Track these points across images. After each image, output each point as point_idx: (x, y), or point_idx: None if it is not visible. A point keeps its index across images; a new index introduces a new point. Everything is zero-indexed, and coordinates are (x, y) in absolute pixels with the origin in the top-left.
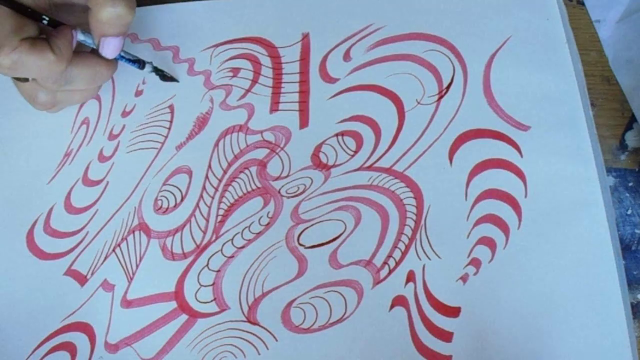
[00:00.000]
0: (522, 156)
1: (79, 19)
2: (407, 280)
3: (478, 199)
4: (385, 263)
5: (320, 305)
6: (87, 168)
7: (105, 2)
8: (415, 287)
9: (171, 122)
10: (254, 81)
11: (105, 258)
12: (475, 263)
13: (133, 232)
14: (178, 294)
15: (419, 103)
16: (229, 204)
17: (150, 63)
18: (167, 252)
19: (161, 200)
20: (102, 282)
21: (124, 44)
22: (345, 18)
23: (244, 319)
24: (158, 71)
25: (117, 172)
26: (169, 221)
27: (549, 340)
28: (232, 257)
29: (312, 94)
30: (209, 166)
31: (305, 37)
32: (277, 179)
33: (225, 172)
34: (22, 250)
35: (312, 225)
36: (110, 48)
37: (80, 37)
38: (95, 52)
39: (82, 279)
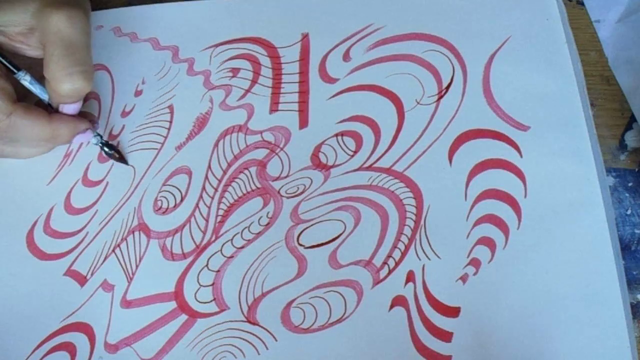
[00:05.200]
0: (521, 156)
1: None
2: (407, 281)
3: (478, 199)
4: (384, 263)
5: (319, 305)
6: (87, 169)
7: (64, 77)
8: (415, 287)
9: (171, 122)
10: (254, 81)
11: (105, 258)
12: (475, 263)
13: (133, 232)
14: (178, 294)
15: (418, 103)
16: (228, 204)
17: (100, 137)
18: (166, 253)
19: (161, 200)
20: (102, 283)
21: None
22: (345, 18)
23: (244, 319)
24: (106, 145)
25: (116, 173)
26: (169, 221)
27: (549, 340)
28: (231, 257)
29: (311, 94)
30: (209, 166)
31: (305, 37)
32: (276, 179)
33: (225, 172)
34: (22, 251)
35: (311, 225)
36: (70, 109)
37: (26, 82)
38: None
39: (82, 280)
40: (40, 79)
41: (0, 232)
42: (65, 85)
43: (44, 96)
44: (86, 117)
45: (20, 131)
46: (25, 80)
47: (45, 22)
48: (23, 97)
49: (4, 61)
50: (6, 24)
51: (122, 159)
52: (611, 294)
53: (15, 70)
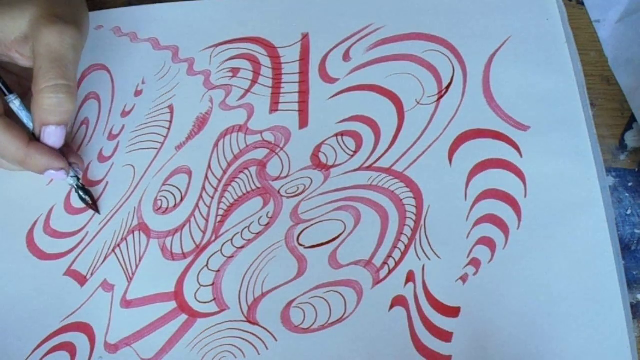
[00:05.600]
0: (521, 156)
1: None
2: (407, 281)
3: (478, 199)
4: (384, 263)
5: (319, 305)
6: (87, 169)
7: (48, 89)
8: (415, 287)
9: (171, 122)
10: (254, 81)
11: (105, 258)
12: (475, 263)
13: (133, 232)
14: (178, 294)
15: (418, 103)
16: (228, 204)
17: (77, 179)
18: (166, 252)
19: (161, 200)
20: (102, 282)
21: (65, 135)
22: (345, 18)
23: (244, 319)
24: (82, 190)
25: (116, 173)
26: (169, 221)
27: (549, 340)
28: (231, 257)
29: (311, 94)
30: (209, 166)
31: (305, 37)
32: (276, 179)
33: (224, 172)
34: (22, 251)
35: (311, 225)
36: (51, 137)
37: (14, 106)
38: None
39: (81, 279)
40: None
41: (0, 232)
42: (48, 98)
43: (30, 124)
44: (74, 159)
45: None
46: (14, 104)
47: (38, 33)
48: (12, 118)
49: None
50: (3, 30)
51: (94, 206)
52: (611, 294)
53: (6, 92)
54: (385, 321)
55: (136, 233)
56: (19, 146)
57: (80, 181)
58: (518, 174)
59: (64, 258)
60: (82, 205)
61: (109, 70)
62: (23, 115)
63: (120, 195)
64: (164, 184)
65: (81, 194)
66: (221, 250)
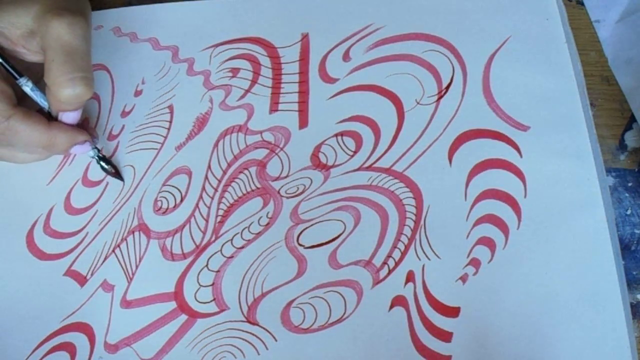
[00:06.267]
0: (521, 156)
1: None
2: (407, 281)
3: (477, 199)
4: (384, 263)
5: (319, 305)
6: (87, 169)
7: (65, 83)
8: (415, 287)
9: (170, 122)
10: (254, 81)
11: (105, 258)
12: (475, 263)
13: (133, 232)
14: (178, 294)
15: (418, 103)
16: (228, 205)
17: (97, 150)
18: (166, 253)
19: (161, 200)
20: (102, 283)
21: (81, 112)
22: (345, 18)
23: (244, 319)
24: (103, 160)
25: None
26: (169, 222)
27: (549, 340)
28: (231, 257)
29: (311, 94)
30: (209, 166)
31: (305, 38)
32: (276, 179)
33: (224, 172)
34: (22, 251)
35: (311, 225)
36: (69, 118)
37: (27, 89)
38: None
39: (81, 280)
40: (38, 84)
41: (0, 232)
42: (66, 91)
43: (44, 104)
44: (90, 131)
45: (18, 135)
46: (27, 86)
47: (46, 27)
48: (23, 103)
49: (6, 65)
50: (7, 26)
51: (117, 175)
52: (611, 294)
53: (17, 76)
54: (385, 321)
55: (136, 233)
56: (41, 131)
57: (101, 152)
58: (518, 174)
59: (63, 258)
60: (81, 205)
61: (109, 70)
62: (38, 96)
63: (120, 195)
64: (164, 185)
65: (103, 164)
66: (221, 250)
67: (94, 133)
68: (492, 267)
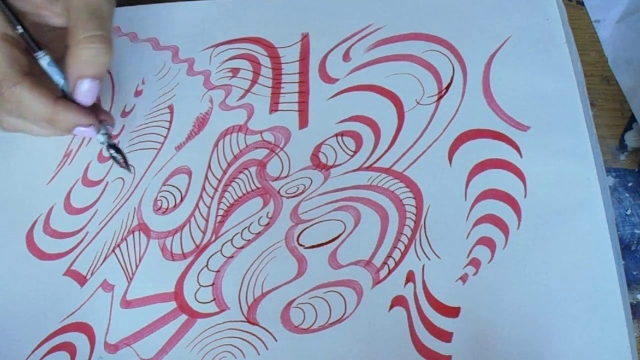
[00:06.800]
0: (521, 156)
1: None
2: (407, 281)
3: (477, 199)
4: (384, 263)
5: (319, 305)
6: (87, 168)
7: (88, 39)
8: (415, 287)
9: (170, 122)
10: (254, 81)
11: (105, 258)
12: (475, 263)
13: (133, 232)
14: (178, 294)
15: (418, 103)
16: (228, 205)
17: (108, 136)
18: (166, 253)
19: (161, 200)
20: (102, 283)
21: (98, 91)
22: (345, 18)
23: (244, 319)
24: (112, 147)
25: (116, 173)
26: (169, 221)
27: (549, 340)
28: (231, 257)
29: (311, 94)
30: (209, 166)
31: (305, 38)
32: (276, 179)
33: (224, 172)
34: (22, 251)
35: (311, 225)
36: (85, 91)
37: (44, 63)
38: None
39: (81, 280)
40: (58, 61)
41: (0, 232)
42: (87, 49)
43: (60, 81)
44: (104, 116)
45: (22, 104)
46: (44, 60)
47: None
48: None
49: (26, 37)
50: None
51: (125, 164)
52: (611, 294)
53: (36, 49)
54: (385, 321)
55: (136, 233)
56: (46, 104)
57: (111, 139)
58: (518, 174)
59: (63, 258)
60: (81, 205)
61: (109, 70)
62: (53, 71)
63: (120, 195)
64: (164, 184)
65: (112, 152)
66: (221, 250)
67: (107, 117)
68: (492, 267)
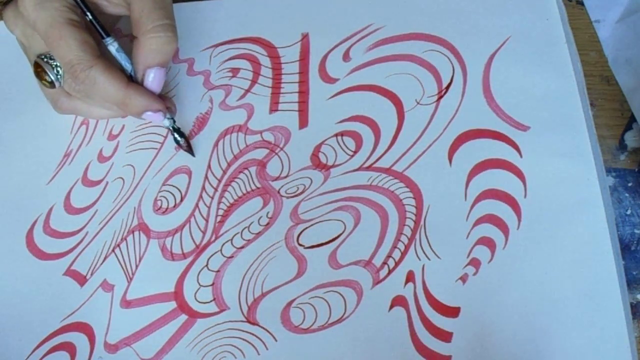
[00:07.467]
0: (521, 156)
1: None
2: (407, 281)
3: (477, 199)
4: (384, 263)
5: (319, 305)
6: (87, 168)
7: (156, 29)
8: (415, 287)
9: None
10: (254, 81)
11: (105, 258)
12: (475, 263)
13: (132, 232)
14: (177, 294)
15: (418, 103)
16: (228, 204)
17: (173, 121)
18: (166, 253)
19: (160, 200)
20: (102, 283)
21: (165, 79)
22: (345, 18)
23: (244, 319)
24: (177, 132)
25: (116, 173)
26: (169, 221)
27: (549, 340)
28: (231, 257)
29: (311, 94)
30: (209, 166)
31: (305, 37)
32: (276, 179)
33: (224, 172)
34: (22, 251)
35: (311, 225)
36: (154, 81)
37: (112, 49)
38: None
39: (81, 279)
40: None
41: (0, 232)
42: (156, 37)
43: (128, 67)
44: (169, 103)
45: (96, 86)
46: (113, 46)
47: None
48: None
49: (95, 23)
50: None
51: (189, 149)
52: (611, 294)
53: (104, 35)
54: (385, 321)
55: (136, 233)
56: (118, 87)
57: (176, 124)
58: (518, 174)
59: (63, 258)
60: (81, 205)
61: None
62: (122, 57)
63: (120, 195)
64: (163, 184)
65: (177, 136)
66: (221, 250)
67: (171, 105)
68: (492, 267)
